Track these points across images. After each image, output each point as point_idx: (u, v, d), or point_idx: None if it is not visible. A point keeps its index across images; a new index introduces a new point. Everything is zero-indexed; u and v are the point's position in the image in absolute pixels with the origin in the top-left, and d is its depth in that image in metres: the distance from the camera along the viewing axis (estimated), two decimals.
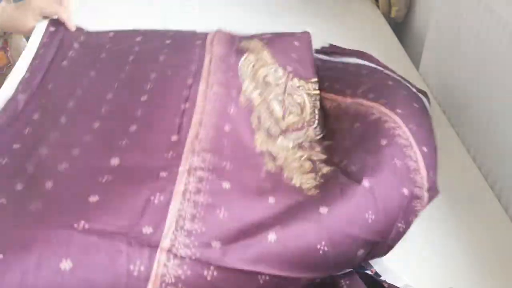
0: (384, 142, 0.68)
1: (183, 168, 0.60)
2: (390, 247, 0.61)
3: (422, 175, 0.66)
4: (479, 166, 0.81)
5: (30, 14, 0.97)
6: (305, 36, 1.03)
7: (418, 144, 0.69)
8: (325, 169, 0.71)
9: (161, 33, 0.96)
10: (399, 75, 0.95)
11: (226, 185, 0.60)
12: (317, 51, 1.10)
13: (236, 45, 0.90)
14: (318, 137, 0.83)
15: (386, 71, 0.92)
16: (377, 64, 0.96)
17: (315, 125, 0.86)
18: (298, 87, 0.89)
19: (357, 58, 0.99)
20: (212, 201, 0.58)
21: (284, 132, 0.80)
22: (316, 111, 0.89)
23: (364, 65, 0.95)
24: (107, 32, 1.01)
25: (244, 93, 0.78)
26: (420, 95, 0.87)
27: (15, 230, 0.53)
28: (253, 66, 0.85)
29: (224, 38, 0.93)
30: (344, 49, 1.08)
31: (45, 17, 0.99)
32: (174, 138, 0.65)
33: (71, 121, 0.73)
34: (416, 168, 0.66)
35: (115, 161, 0.60)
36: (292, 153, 0.77)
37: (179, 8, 1.36)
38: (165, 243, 0.53)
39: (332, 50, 1.08)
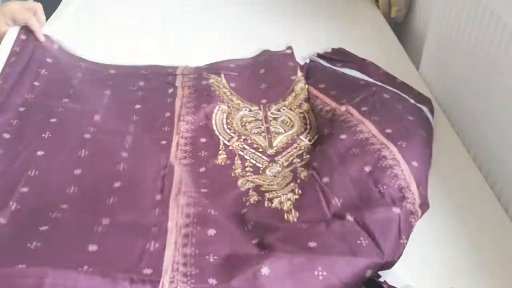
0: (368, 168, 0.71)
1: (171, 223, 0.64)
2: (396, 261, 0.62)
3: (413, 191, 0.68)
4: (479, 166, 0.81)
5: (1, 18, 0.97)
6: (268, 57, 1.07)
7: (407, 160, 0.71)
8: (303, 174, 0.72)
9: (132, 78, 1.00)
10: (400, 83, 0.96)
11: (211, 232, 0.63)
12: (319, 56, 1.10)
13: (205, 88, 0.96)
14: (311, 143, 0.84)
15: (384, 85, 0.93)
16: (376, 76, 0.98)
17: (307, 131, 0.88)
18: (279, 110, 0.93)
19: (358, 70, 1.01)
20: (200, 251, 0.60)
21: (274, 157, 0.82)
22: (306, 116, 0.91)
23: (362, 78, 0.98)
24: (79, 61, 1.02)
25: (222, 149, 0.83)
26: (421, 106, 0.88)
27: (23, 267, 0.54)
28: (227, 116, 0.90)
29: (192, 88, 0.97)
30: (346, 54, 1.08)
31: (17, 23, 1.00)
32: (158, 197, 0.68)
33: (49, 158, 0.74)
34: (406, 185, 0.68)
35: (106, 221, 0.63)
36: (281, 173, 0.78)
37: (179, 8, 1.36)
38: (165, 278, 0.56)
39: (333, 56, 1.09)
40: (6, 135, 0.77)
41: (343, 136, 0.76)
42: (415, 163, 0.71)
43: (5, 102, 0.83)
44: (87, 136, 0.78)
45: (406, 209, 0.64)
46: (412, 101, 0.89)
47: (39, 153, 0.74)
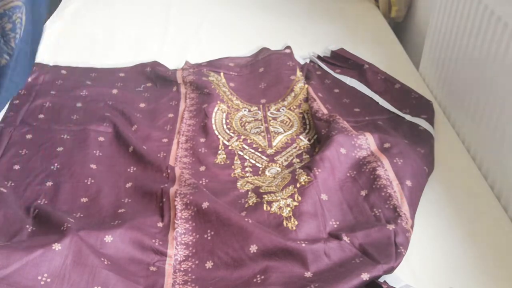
0: (364, 192, 0.72)
1: (169, 259, 0.64)
2: (396, 267, 0.62)
3: (405, 212, 0.68)
4: (479, 166, 0.81)
5: None
6: (267, 56, 1.08)
7: (402, 179, 0.72)
8: (302, 178, 0.72)
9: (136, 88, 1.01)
10: (399, 88, 0.96)
11: (209, 264, 0.64)
12: (319, 58, 1.10)
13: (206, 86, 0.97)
14: (310, 143, 0.84)
15: (383, 104, 0.94)
16: (374, 84, 0.99)
17: (306, 131, 0.88)
18: (278, 110, 0.94)
19: (356, 79, 1.01)
20: (200, 286, 0.62)
21: (273, 157, 0.82)
22: (306, 116, 0.91)
23: (362, 92, 0.98)
24: (87, 77, 1.02)
25: (221, 149, 0.84)
26: (417, 119, 0.88)
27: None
28: (226, 116, 0.91)
29: (194, 87, 0.98)
30: (345, 58, 1.08)
31: None
32: (159, 224, 0.69)
33: (58, 188, 0.75)
34: (399, 205, 0.69)
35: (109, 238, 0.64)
36: (281, 173, 0.78)
37: (180, 7, 1.36)
38: None
39: (332, 61, 1.09)
40: (16, 167, 0.79)
41: (343, 150, 0.76)
42: (409, 183, 0.71)
43: (14, 131, 0.85)
44: (93, 166, 0.79)
45: (402, 227, 0.65)
46: (408, 116, 0.89)
47: (48, 183, 0.76)
